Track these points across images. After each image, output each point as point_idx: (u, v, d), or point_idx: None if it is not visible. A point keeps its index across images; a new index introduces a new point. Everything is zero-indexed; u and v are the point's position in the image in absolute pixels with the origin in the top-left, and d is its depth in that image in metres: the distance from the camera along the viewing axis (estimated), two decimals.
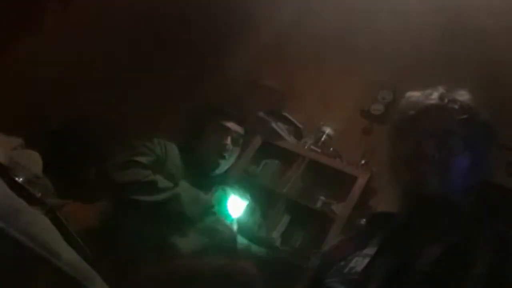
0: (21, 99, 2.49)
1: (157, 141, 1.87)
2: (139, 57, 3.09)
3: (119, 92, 3.01)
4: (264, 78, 3.25)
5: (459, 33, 2.40)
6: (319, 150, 2.86)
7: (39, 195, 1.39)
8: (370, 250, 1.00)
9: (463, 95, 1.05)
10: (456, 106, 1.02)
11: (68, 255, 0.70)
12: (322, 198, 2.77)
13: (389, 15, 2.48)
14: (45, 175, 1.81)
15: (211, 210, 1.79)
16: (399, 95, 2.85)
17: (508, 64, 2.40)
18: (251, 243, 2.05)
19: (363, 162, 2.79)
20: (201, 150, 1.93)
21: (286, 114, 3.00)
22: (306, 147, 2.90)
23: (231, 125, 1.96)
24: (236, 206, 1.84)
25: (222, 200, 1.84)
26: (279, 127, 2.91)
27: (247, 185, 2.23)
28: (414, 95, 1.09)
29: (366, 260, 0.97)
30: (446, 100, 1.04)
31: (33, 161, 1.84)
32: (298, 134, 3.02)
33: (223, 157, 1.92)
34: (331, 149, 2.89)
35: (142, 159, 1.76)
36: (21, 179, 1.45)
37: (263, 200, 2.48)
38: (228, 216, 1.83)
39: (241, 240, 1.92)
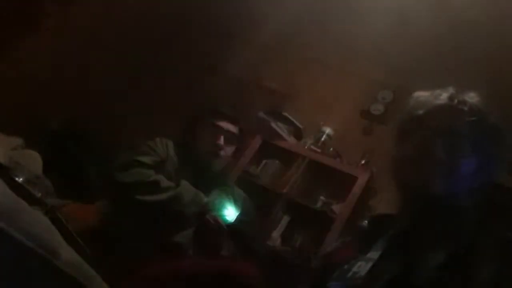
0: (21, 99, 2.49)
1: (159, 140, 1.88)
2: (139, 57, 3.09)
3: (119, 92, 3.01)
4: (264, 78, 3.25)
5: (459, 33, 2.40)
6: (319, 150, 2.85)
7: (39, 195, 1.39)
8: (374, 254, 0.98)
9: (472, 97, 1.03)
10: (466, 108, 1.00)
11: (68, 255, 0.69)
12: (322, 198, 2.76)
13: (389, 15, 2.48)
14: (45, 175, 1.81)
15: (209, 211, 1.79)
16: (399, 95, 2.89)
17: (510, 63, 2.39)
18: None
19: (363, 162, 2.78)
20: (196, 150, 1.94)
21: (286, 114, 2.99)
22: (306, 147, 2.90)
23: (224, 124, 1.96)
24: (228, 214, 1.83)
25: (218, 206, 1.83)
26: (279, 127, 2.91)
27: (247, 185, 2.22)
28: (423, 94, 1.07)
29: (370, 265, 0.96)
30: (455, 101, 1.02)
31: (33, 161, 1.84)
32: (298, 134, 3.01)
33: (217, 156, 1.93)
34: (331, 149, 2.88)
35: (145, 159, 1.77)
36: (21, 179, 1.45)
37: (263, 200, 2.47)
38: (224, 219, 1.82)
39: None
